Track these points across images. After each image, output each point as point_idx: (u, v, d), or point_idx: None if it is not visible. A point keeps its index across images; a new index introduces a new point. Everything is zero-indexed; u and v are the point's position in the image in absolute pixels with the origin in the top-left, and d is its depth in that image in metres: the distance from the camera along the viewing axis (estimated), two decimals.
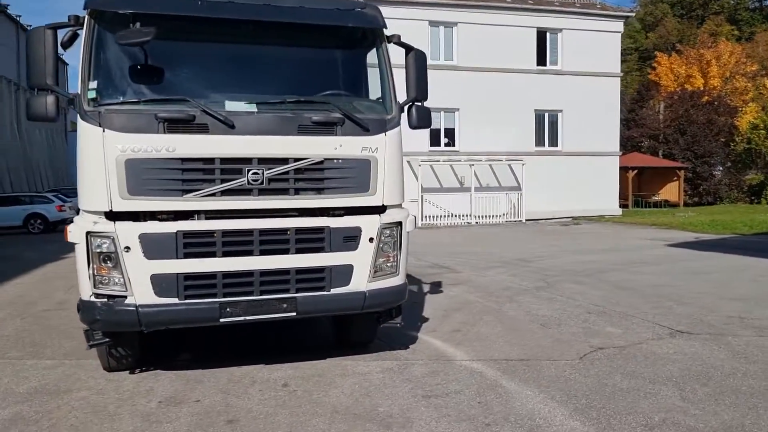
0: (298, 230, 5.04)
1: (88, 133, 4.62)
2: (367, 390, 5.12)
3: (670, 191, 35.52)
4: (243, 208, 4.92)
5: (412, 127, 5.79)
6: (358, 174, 5.17)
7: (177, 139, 4.70)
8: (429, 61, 21.84)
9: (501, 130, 25.70)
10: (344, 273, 5.17)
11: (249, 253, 4.92)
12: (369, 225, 5.23)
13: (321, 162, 5.06)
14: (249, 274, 4.92)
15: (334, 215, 5.18)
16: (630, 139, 38.54)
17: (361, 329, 6.04)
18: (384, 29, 5.56)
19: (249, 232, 4.91)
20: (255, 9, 5.02)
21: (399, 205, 5.47)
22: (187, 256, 4.78)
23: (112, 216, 4.69)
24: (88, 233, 4.65)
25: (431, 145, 25.51)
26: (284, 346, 6.56)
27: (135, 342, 5.53)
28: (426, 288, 10.01)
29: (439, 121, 25.74)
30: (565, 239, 18.24)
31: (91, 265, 4.69)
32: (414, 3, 24.96)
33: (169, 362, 6.01)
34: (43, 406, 4.90)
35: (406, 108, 5.74)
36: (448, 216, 24.85)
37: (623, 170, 32.26)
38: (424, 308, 8.38)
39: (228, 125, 4.79)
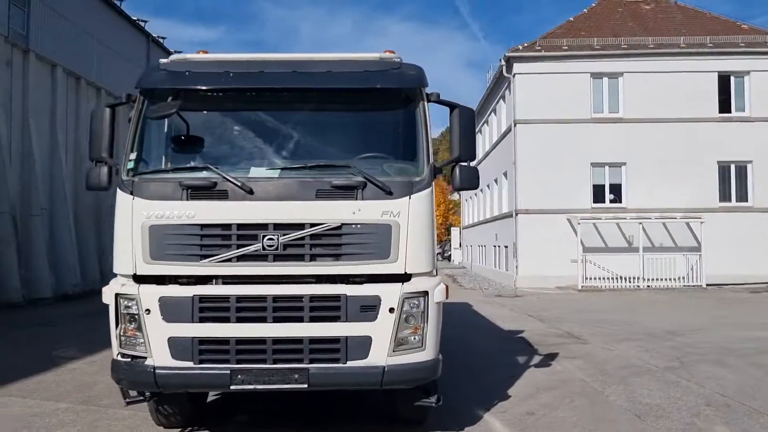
0: (313, 297, 4.86)
1: (121, 201, 4.96)
2: None
3: None
4: (258, 274, 4.88)
5: (456, 188, 5.41)
6: (378, 240, 4.89)
7: (197, 206, 4.85)
8: (592, 114, 21.26)
9: (676, 185, 23.34)
10: (362, 345, 4.85)
11: (262, 319, 4.84)
12: (389, 294, 4.89)
13: (338, 227, 4.88)
14: (262, 341, 4.82)
15: (352, 282, 4.94)
16: None
17: (406, 406, 5.60)
18: (422, 88, 5.32)
19: (263, 298, 4.85)
20: (284, 78, 5.12)
21: (429, 273, 5.06)
22: (202, 320, 4.83)
23: (138, 279, 4.93)
24: (116, 295, 4.93)
25: (594, 201, 23.92)
26: (340, 415, 6.31)
27: (183, 400, 5.68)
28: (535, 360, 9.15)
29: (603, 177, 24.14)
30: (742, 309, 15.72)
31: (119, 325, 4.94)
32: (574, 56, 24.10)
33: (225, 423, 6.08)
34: None
35: (451, 168, 5.38)
36: (614, 279, 22.84)
37: None
38: (515, 383, 7.62)
39: (246, 191, 4.84)
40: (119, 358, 4.97)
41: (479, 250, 35.24)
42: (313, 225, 4.85)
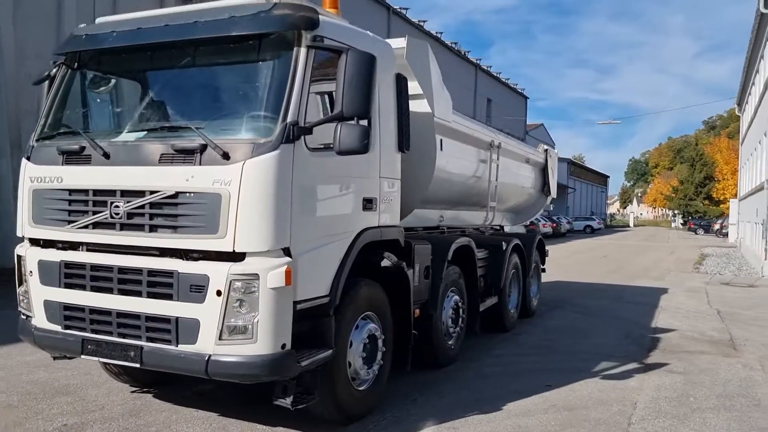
0: (150, 272, 4.47)
1: (22, 166, 5.15)
2: None
3: None
4: (108, 243, 4.66)
5: (337, 152, 4.41)
6: (209, 211, 4.26)
7: (67, 171, 4.80)
8: None
9: None
10: (191, 328, 4.31)
11: (110, 290, 4.62)
12: (217, 274, 4.23)
13: (175, 196, 4.37)
14: (108, 312, 4.62)
15: (190, 258, 4.40)
16: None
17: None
18: (299, 31, 4.43)
19: (110, 268, 4.62)
20: (152, 33, 4.72)
21: (271, 253, 4.23)
22: (66, 286, 4.81)
23: (31, 242, 5.10)
24: (18, 256, 5.19)
25: None
26: None
27: None
28: (617, 369, 7.23)
29: None
30: None
31: (21, 284, 5.20)
32: None
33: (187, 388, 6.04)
34: (32, 403, 5.67)
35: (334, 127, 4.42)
36: None
37: None
38: (535, 396, 6.10)
39: (104, 156, 4.64)
40: (21, 316, 5.25)
41: (749, 228, 29.33)
42: (152, 192, 4.44)
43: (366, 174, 5.24)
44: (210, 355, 4.26)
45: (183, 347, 4.36)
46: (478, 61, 44.55)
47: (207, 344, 4.28)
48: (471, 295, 7.82)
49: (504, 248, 8.96)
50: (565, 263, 21.91)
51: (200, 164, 4.30)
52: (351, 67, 4.34)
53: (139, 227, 4.51)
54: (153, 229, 4.47)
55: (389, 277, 5.70)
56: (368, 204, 5.24)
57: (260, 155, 4.19)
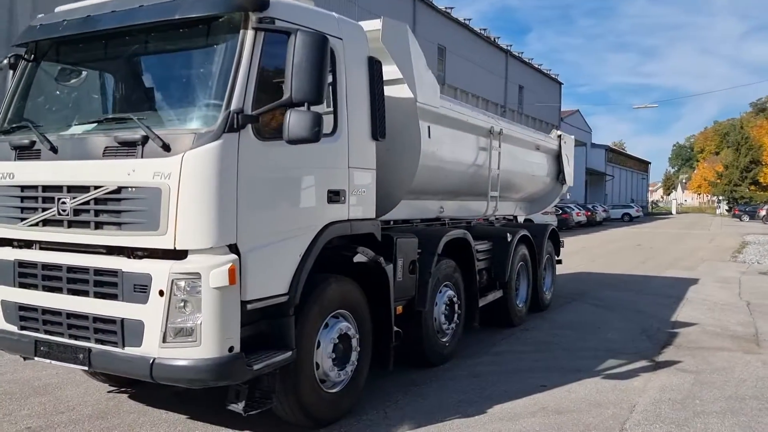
0: (96, 271, 4.27)
1: None
2: None
3: None
4: (58, 241, 4.48)
5: (286, 140, 4.11)
6: (149, 206, 4.02)
7: (18, 166, 4.64)
8: None
9: None
10: (136, 330, 4.09)
11: (60, 290, 4.45)
12: (159, 273, 3.99)
13: (117, 191, 4.15)
14: (59, 313, 4.44)
15: (133, 256, 4.18)
16: None
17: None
18: (247, 13, 4.14)
19: (59, 267, 4.44)
20: (98, 21, 4.50)
21: (215, 250, 3.96)
22: (21, 285, 4.65)
23: None
24: None
25: None
26: None
27: None
28: (624, 368, 6.78)
29: None
30: None
31: None
32: None
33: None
34: (5, 403, 5.59)
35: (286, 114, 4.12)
36: None
37: None
38: (525, 398, 5.73)
39: (51, 150, 4.46)
40: None
41: None
42: (96, 188, 4.24)
43: (332, 164, 4.93)
44: (155, 359, 4.03)
45: (129, 350, 4.15)
46: (508, 48, 43.63)
47: (151, 347, 4.05)
48: (469, 290, 7.45)
49: (509, 240, 8.53)
50: (595, 253, 21.25)
51: (142, 157, 4.08)
52: (300, 49, 4.04)
53: (85, 224, 4.32)
54: (98, 226, 4.28)
55: (367, 273, 5.41)
56: (335, 196, 4.93)
57: (201, 146, 3.94)
